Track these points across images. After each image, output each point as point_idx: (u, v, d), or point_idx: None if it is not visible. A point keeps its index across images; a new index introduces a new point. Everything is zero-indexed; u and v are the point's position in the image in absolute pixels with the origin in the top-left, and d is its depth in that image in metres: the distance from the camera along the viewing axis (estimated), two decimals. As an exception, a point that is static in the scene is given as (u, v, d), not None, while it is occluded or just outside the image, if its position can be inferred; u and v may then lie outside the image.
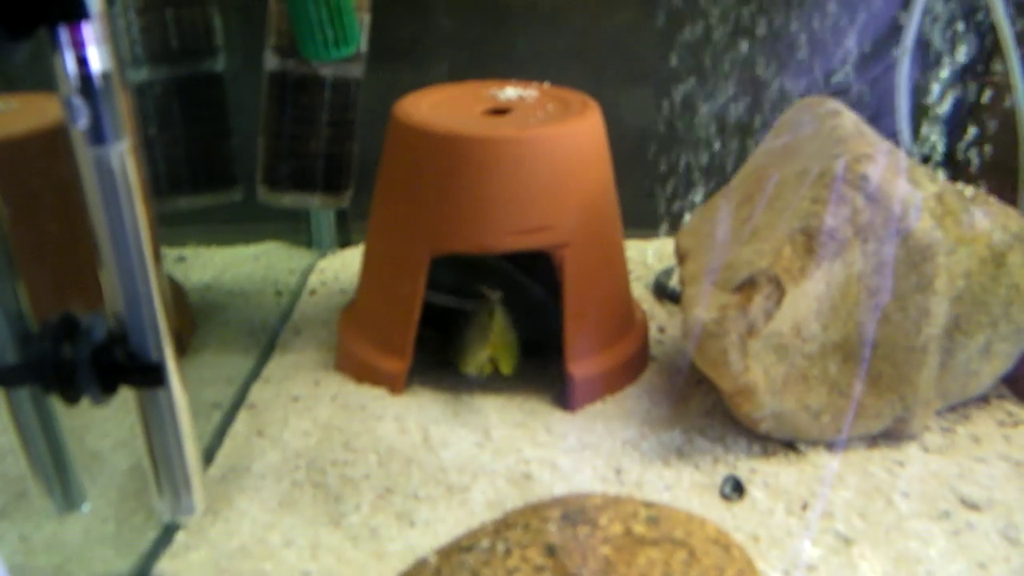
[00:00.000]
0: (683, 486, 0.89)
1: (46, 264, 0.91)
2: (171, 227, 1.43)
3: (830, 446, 0.94)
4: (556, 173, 0.98)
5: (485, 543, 0.66)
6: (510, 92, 1.11)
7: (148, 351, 0.54)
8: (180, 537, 0.82)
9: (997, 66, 1.25)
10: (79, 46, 0.46)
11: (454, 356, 1.05)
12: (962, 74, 1.30)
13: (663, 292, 1.32)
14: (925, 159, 1.34)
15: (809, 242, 0.87)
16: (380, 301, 1.08)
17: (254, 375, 1.11)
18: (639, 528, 0.65)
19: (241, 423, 1.01)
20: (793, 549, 0.79)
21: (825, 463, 0.92)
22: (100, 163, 0.49)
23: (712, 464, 0.92)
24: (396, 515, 0.85)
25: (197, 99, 1.17)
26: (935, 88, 1.31)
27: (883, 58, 1.32)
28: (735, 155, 1.40)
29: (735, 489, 0.87)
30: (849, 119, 0.97)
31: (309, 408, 1.03)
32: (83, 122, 0.48)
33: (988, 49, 1.27)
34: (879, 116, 1.33)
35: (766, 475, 0.90)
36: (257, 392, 1.07)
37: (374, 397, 1.05)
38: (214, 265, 1.45)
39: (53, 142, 0.91)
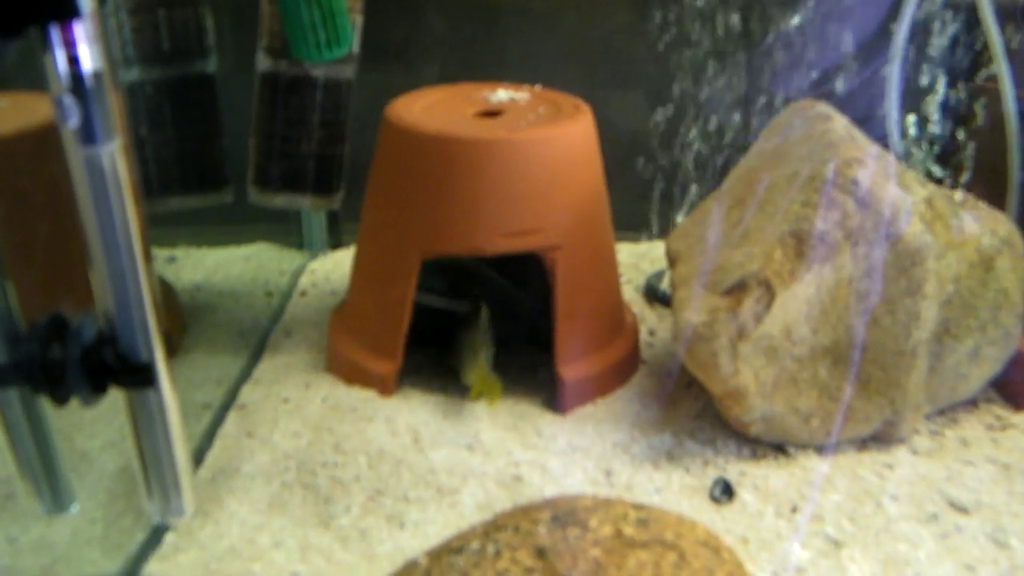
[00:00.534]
0: (673, 488, 0.89)
1: (35, 264, 0.90)
2: (162, 228, 1.42)
3: (819, 449, 0.94)
4: (547, 175, 0.98)
5: (475, 545, 0.66)
6: (502, 95, 1.11)
7: (138, 352, 0.54)
8: (169, 538, 0.82)
9: (986, 71, 1.25)
10: (70, 45, 0.46)
11: (455, 363, 1.05)
12: (951, 79, 1.31)
13: (654, 295, 1.32)
14: (913, 162, 1.35)
15: (799, 245, 0.87)
16: (371, 303, 1.08)
17: (244, 376, 1.11)
18: (629, 530, 0.65)
19: (231, 424, 1.00)
20: (782, 552, 0.80)
21: (814, 466, 0.92)
22: (90, 163, 0.49)
23: (702, 467, 0.92)
24: (386, 517, 0.84)
25: (188, 100, 1.16)
26: (924, 93, 1.32)
27: (873, 63, 1.33)
28: (727, 158, 1.41)
29: (725, 492, 0.87)
30: (840, 123, 0.97)
31: (299, 409, 1.03)
32: (74, 121, 0.48)
33: (976, 55, 1.28)
34: (868, 120, 1.33)
35: (756, 478, 0.90)
36: (247, 393, 1.07)
37: (364, 399, 1.04)
38: (205, 266, 1.45)
39: (43, 141, 0.90)
